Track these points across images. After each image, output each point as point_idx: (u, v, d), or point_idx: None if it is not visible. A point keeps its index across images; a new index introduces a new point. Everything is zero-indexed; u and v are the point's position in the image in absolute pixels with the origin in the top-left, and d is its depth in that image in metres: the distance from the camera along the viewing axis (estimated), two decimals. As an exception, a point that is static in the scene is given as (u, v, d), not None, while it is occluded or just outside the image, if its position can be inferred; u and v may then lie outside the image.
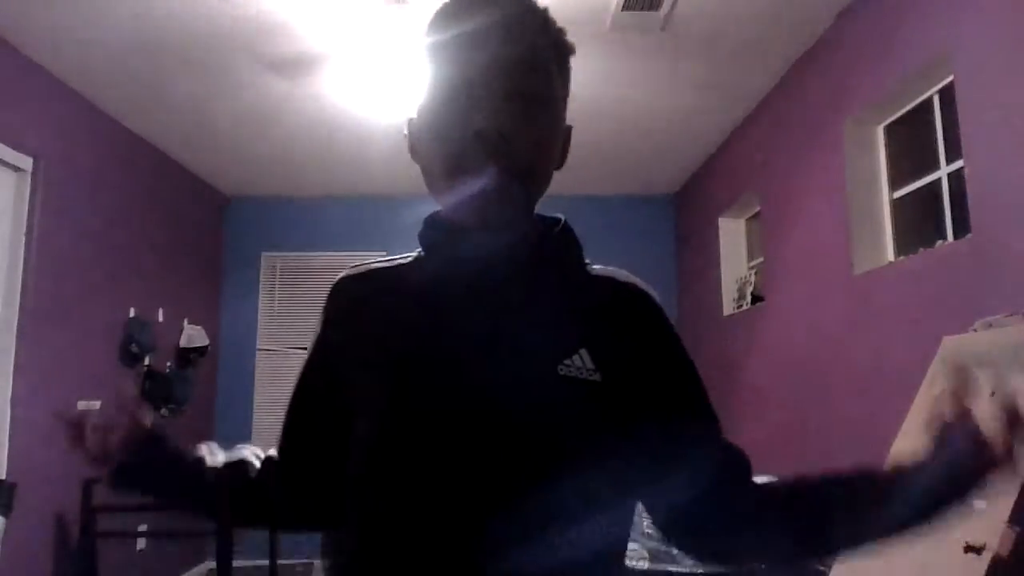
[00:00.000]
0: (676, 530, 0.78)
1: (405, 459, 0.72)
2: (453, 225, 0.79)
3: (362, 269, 0.87)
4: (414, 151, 0.83)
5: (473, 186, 0.73)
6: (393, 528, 0.72)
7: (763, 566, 0.83)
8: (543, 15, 0.79)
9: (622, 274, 0.83)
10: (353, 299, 0.85)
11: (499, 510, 0.68)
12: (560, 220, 0.83)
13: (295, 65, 3.27)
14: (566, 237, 0.82)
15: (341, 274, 0.88)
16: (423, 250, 0.84)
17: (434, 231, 0.82)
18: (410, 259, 0.85)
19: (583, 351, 0.74)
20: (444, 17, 0.78)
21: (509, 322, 0.75)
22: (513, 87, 0.74)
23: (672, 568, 2.64)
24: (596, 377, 0.73)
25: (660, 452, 0.75)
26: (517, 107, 0.74)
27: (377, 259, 0.88)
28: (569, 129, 0.82)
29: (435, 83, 0.77)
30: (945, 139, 2.50)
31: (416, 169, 0.82)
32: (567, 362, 0.73)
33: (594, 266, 0.83)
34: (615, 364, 0.75)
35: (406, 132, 0.84)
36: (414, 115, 0.81)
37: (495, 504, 0.69)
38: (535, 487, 0.69)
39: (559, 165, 0.81)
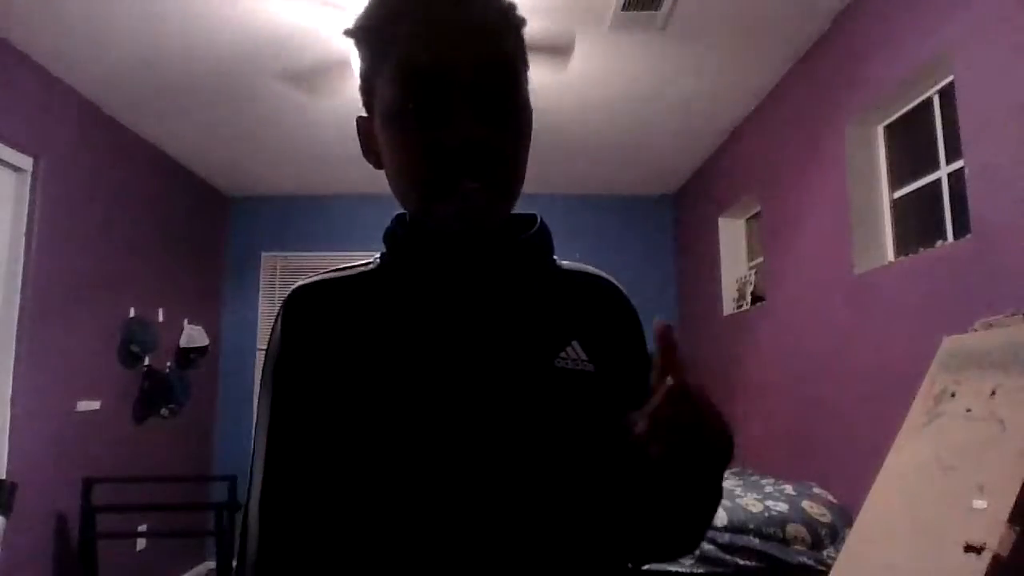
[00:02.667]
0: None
1: (420, 473, 0.67)
2: (428, 230, 0.73)
3: (321, 277, 0.76)
4: (369, 153, 0.76)
5: (454, 203, 0.67)
6: (411, 540, 0.66)
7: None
8: None
9: (591, 268, 0.83)
10: (320, 311, 0.73)
11: (515, 511, 0.67)
12: (536, 218, 0.79)
13: (301, 71, 3.27)
14: (541, 236, 0.79)
15: (297, 283, 0.76)
16: (391, 253, 0.77)
17: (406, 235, 0.76)
18: (373, 264, 0.78)
19: (575, 343, 0.73)
20: (385, 4, 0.71)
21: (500, 321, 0.72)
22: (490, 87, 0.67)
23: (672, 568, 2.64)
24: (590, 368, 0.73)
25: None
26: (498, 109, 0.67)
27: (333, 268, 0.78)
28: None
29: (393, 81, 0.68)
30: (945, 139, 2.50)
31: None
32: (562, 355, 0.72)
33: (562, 261, 0.81)
34: (605, 355, 0.74)
35: (357, 132, 0.77)
36: (370, 115, 0.74)
37: (511, 505, 0.67)
38: (544, 484, 0.68)
39: None
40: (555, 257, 0.82)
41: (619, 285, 0.82)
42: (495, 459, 0.67)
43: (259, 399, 0.74)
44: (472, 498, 0.66)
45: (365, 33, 0.72)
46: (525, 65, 0.74)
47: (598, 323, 0.77)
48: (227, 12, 2.86)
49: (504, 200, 0.71)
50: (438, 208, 0.68)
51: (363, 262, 0.78)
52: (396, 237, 0.77)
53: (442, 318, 0.71)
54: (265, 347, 0.76)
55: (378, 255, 0.79)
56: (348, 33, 0.75)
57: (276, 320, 0.74)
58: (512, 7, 0.73)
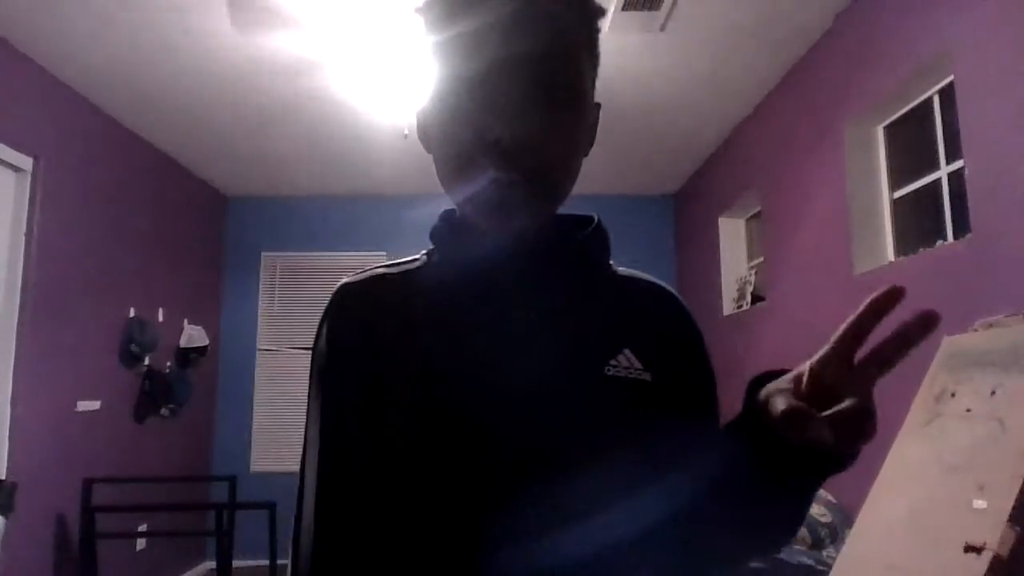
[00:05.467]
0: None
1: (456, 471, 0.66)
2: (471, 226, 0.72)
3: (367, 275, 0.75)
4: (425, 143, 0.75)
5: (486, 195, 0.66)
6: (440, 534, 0.65)
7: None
8: None
9: (649, 276, 0.80)
10: (366, 310, 0.72)
11: (558, 515, 0.64)
12: (593, 219, 0.77)
13: (296, 66, 3.27)
14: (596, 237, 0.76)
15: (342, 281, 0.75)
16: (437, 249, 0.76)
17: (453, 230, 0.75)
18: (420, 262, 0.76)
19: (627, 351, 0.70)
20: None
21: (546, 324, 0.70)
22: (536, 81, 0.65)
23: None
24: (646, 376, 0.70)
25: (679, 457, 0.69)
26: (541, 106, 0.65)
27: (378, 265, 0.77)
28: (598, 108, 0.74)
29: (444, 73, 0.67)
30: (945, 139, 2.50)
31: (415, 168, 0.78)
32: (613, 362, 0.69)
33: (619, 268, 0.79)
34: (661, 364, 0.72)
35: (415, 123, 0.76)
36: (424, 105, 0.73)
37: (554, 509, 0.64)
38: (588, 491, 0.65)
39: (587, 151, 0.74)
40: (611, 262, 0.79)
41: (678, 295, 0.79)
42: (540, 468, 0.65)
43: (309, 405, 0.74)
44: (522, 499, 0.64)
45: (433, 14, 0.70)
46: (592, 59, 0.71)
47: (655, 331, 0.74)
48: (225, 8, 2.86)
49: (544, 198, 0.69)
50: (476, 199, 0.67)
51: (410, 258, 0.77)
52: (442, 233, 0.75)
53: (487, 319, 0.69)
54: (311, 348, 0.75)
55: (424, 252, 0.77)
56: (420, 10, 0.72)
57: (322, 322, 0.73)
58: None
